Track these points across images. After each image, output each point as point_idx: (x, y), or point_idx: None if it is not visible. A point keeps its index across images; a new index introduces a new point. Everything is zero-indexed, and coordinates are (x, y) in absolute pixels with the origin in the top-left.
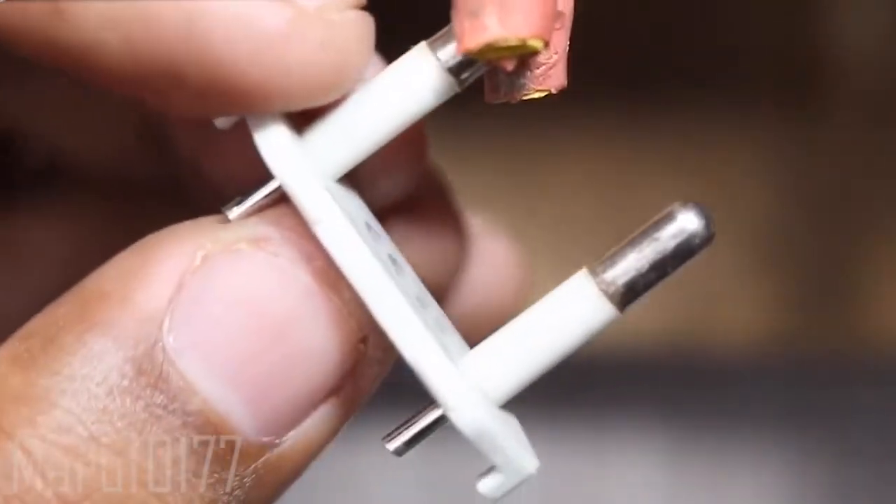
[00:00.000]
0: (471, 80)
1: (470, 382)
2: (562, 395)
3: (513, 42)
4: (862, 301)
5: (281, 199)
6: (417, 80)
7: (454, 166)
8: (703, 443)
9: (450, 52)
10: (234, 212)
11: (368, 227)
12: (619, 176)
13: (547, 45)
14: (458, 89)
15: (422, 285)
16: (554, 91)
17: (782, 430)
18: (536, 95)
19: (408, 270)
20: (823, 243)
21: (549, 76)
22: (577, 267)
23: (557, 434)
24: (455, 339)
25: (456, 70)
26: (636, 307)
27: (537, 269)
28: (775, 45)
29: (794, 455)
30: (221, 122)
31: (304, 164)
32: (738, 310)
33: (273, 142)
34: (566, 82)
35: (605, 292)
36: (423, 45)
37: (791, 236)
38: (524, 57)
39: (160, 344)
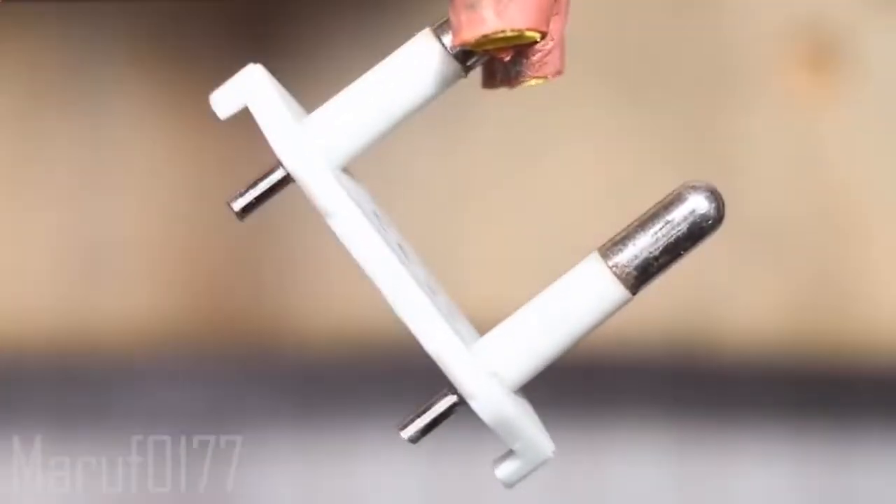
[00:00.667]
0: (476, 66)
1: (487, 369)
2: (565, 395)
3: (510, 34)
4: (870, 298)
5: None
6: (423, 67)
7: (457, 144)
8: (709, 442)
9: None
10: (239, 203)
11: (376, 215)
12: (629, 156)
13: (544, 35)
14: (463, 75)
15: (428, 271)
16: (550, 78)
17: (787, 428)
18: (533, 83)
19: (414, 257)
20: (830, 239)
21: (545, 63)
22: (583, 247)
23: (559, 434)
24: (465, 325)
25: (462, 56)
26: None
27: (545, 249)
28: (782, 31)
29: (800, 455)
30: (223, 111)
31: (314, 153)
32: (743, 307)
33: (280, 130)
34: (563, 69)
35: (619, 276)
36: (427, 31)
37: (799, 231)
38: (521, 47)
39: None
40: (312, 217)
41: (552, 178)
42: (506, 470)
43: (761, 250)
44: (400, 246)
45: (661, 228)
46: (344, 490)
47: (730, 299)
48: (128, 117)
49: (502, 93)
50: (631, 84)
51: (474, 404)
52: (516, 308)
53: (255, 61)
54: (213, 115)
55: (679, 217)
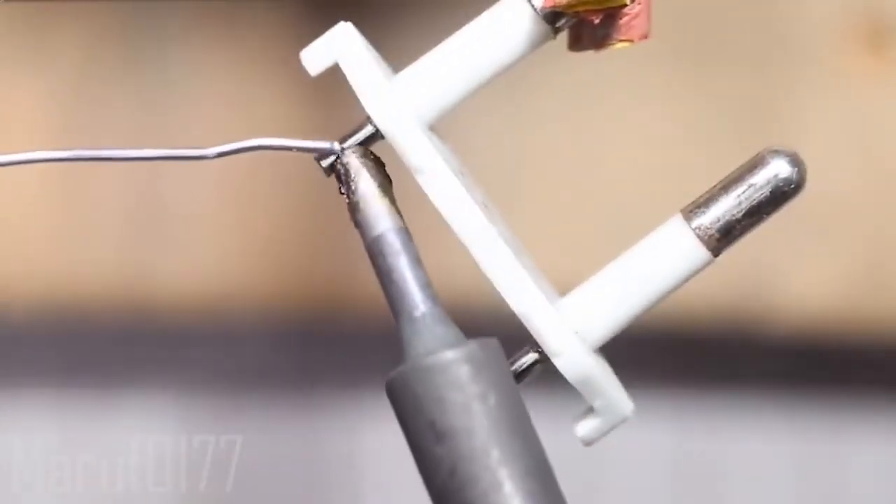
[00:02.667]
0: (564, 28)
1: (571, 328)
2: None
3: None
4: None
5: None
6: (513, 28)
7: (520, 112)
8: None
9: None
10: (329, 160)
11: (462, 174)
12: (688, 132)
13: None
14: (552, 37)
15: (512, 231)
16: (637, 41)
17: (835, 403)
18: (619, 46)
19: (498, 217)
20: (885, 217)
21: (632, 26)
22: (643, 217)
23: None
24: (546, 284)
25: (551, 18)
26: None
27: (605, 218)
28: (842, 11)
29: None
30: (314, 67)
31: (404, 110)
32: (797, 283)
33: (372, 87)
34: (649, 32)
35: (701, 238)
36: None
37: (854, 209)
38: (610, 9)
39: None
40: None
41: (611, 149)
42: (586, 428)
43: (817, 225)
44: (485, 205)
45: (744, 191)
46: (344, 488)
47: (784, 275)
48: (191, 78)
49: (564, 63)
50: (692, 61)
51: (558, 362)
52: (575, 276)
53: (321, 19)
54: (274, 78)
55: (762, 180)
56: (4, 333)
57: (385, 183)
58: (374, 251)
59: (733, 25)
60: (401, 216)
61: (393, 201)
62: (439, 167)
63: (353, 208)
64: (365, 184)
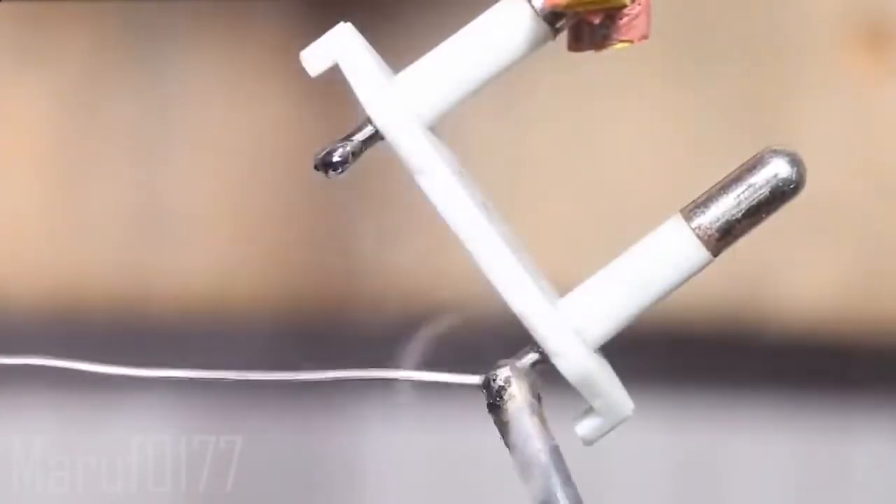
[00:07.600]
0: (564, 28)
1: (571, 327)
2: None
3: None
4: None
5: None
6: (513, 28)
7: (514, 113)
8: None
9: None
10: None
11: (461, 174)
12: (685, 130)
13: None
14: (552, 37)
15: (511, 230)
16: (636, 41)
17: (839, 402)
18: (619, 46)
19: (498, 217)
20: (885, 215)
21: (632, 27)
22: (638, 217)
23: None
24: (546, 284)
25: (551, 18)
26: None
27: (601, 218)
28: (840, 10)
29: (847, 426)
30: (314, 68)
31: (404, 111)
32: (797, 281)
33: (371, 88)
34: (649, 33)
35: (701, 238)
36: None
37: (853, 208)
38: (610, 10)
39: None
40: (370, 187)
41: (608, 149)
42: (586, 427)
43: (815, 226)
44: (484, 205)
45: (743, 191)
46: (344, 488)
47: (783, 275)
48: (192, 78)
49: (558, 63)
50: (692, 61)
51: (558, 362)
52: (575, 276)
53: (321, 19)
54: (274, 78)
55: (761, 180)
56: (4, 333)
57: (535, 402)
58: (526, 471)
59: (733, 25)
60: (551, 435)
61: (543, 420)
62: (439, 168)
63: (504, 428)
64: (515, 403)
